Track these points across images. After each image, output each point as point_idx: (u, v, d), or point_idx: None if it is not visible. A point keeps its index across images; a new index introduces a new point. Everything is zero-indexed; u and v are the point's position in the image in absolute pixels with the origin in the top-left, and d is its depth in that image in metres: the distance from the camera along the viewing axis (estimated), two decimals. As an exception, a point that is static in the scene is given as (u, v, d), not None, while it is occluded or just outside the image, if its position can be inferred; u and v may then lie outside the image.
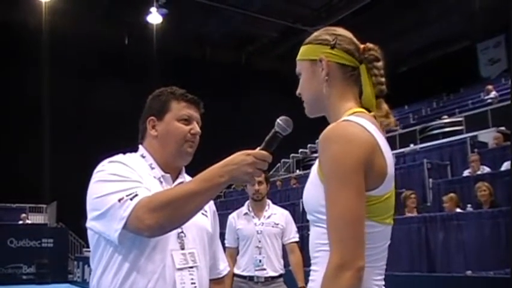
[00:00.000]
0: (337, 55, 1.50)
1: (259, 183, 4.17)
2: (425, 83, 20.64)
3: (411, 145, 12.64)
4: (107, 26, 19.49)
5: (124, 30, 20.59)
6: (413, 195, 7.87)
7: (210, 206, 1.93)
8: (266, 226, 4.21)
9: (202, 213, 1.83)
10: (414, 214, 7.57)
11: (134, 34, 20.53)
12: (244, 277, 4.15)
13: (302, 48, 1.59)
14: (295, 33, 20.64)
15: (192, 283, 1.69)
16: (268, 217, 4.27)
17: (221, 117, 18.77)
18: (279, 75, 19.48)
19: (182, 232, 1.72)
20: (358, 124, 1.38)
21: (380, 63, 1.51)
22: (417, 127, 14.20)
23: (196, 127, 1.83)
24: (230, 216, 4.38)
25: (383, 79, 1.51)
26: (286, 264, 4.32)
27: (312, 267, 1.45)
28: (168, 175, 1.81)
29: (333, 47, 1.51)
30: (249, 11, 19.40)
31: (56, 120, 17.41)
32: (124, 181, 1.62)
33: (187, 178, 1.87)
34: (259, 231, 4.18)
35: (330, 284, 1.27)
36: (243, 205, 4.44)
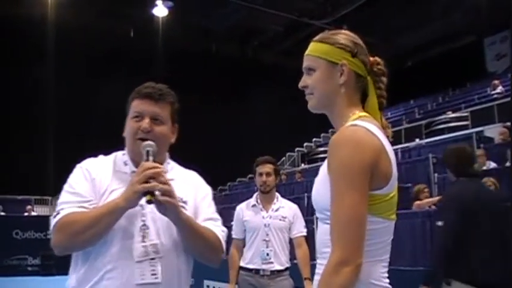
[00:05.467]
0: (356, 64, 1.57)
1: (267, 174, 4.08)
2: (431, 77, 20.53)
3: (417, 140, 12.62)
4: (112, 19, 19.44)
5: (129, 23, 20.54)
6: (426, 190, 7.80)
7: (196, 190, 1.91)
8: (274, 219, 4.11)
9: (182, 207, 1.75)
10: (426, 208, 7.52)
11: (139, 27, 20.48)
12: (250, 270, 4.08)
13: (318, 45, 1.60)
14: (301, 27, 20.57)
15: (153, 274, 1.71)
16: (277, 210, 4.16)
17: (226, 110, 18.75)
18: (284, 69, 19.44)
19: (144, 225, 1.75)
20: (365, 128, 1.45)
21: (385, 79, 1.61)
22: (423, 122, 14.15)
23: (144, 123, 1.80)
24: (238, 207, 4.30)
25: (384, 93, 1.60)
26: (292, 258, 4.28)
27: (319, 261, 1.51)
28: None
29: (354, 55, 1.56)
30: (254, 4, 19.34)
31: (60, 113, 17.44)
32: (70, 193, 1.77)
33: (175, 166, 1.93)
34: (266, 224, 4.08)
35: (330, 278, 1.34)
36: (247, 198, 4.40)
